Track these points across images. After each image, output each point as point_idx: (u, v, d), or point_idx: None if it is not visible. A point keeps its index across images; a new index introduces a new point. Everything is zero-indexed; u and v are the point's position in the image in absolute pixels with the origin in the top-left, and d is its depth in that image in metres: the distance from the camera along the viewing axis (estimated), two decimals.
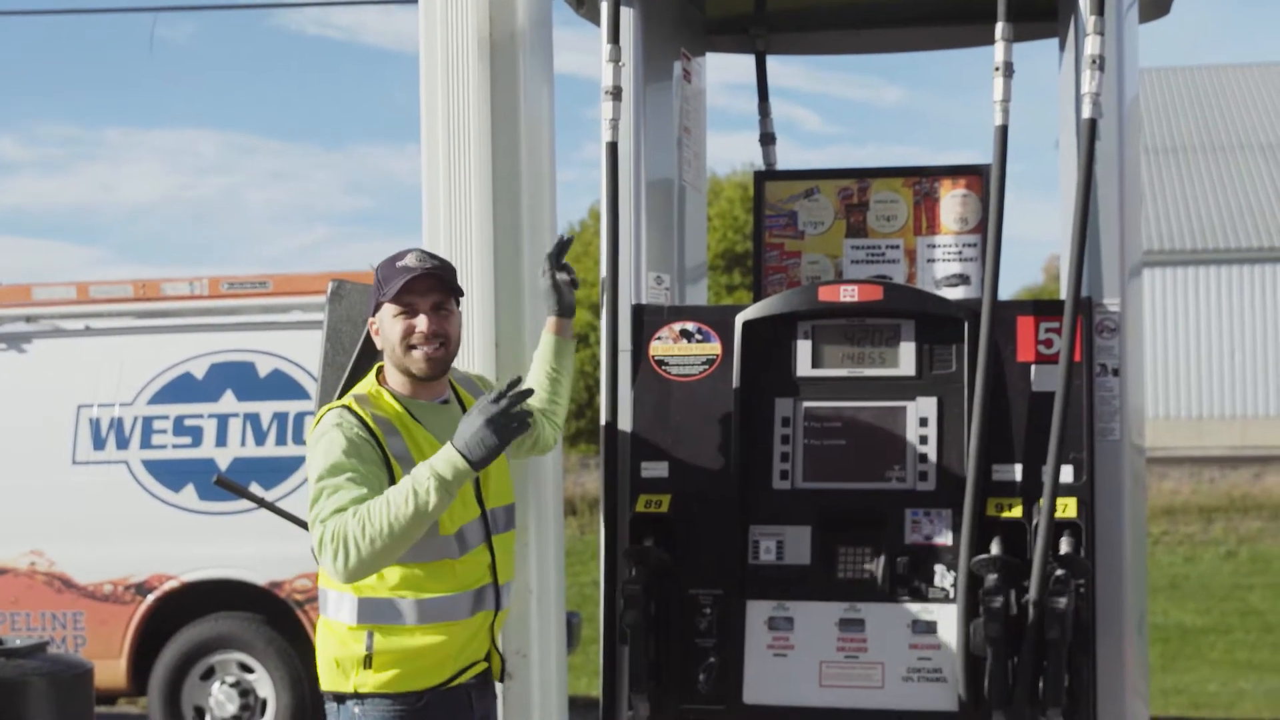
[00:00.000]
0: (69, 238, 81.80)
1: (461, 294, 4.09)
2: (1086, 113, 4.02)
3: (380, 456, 3.86)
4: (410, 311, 3.96)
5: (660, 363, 4.34)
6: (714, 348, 4.31)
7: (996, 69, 4.09)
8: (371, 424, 3.88)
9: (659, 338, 4.35)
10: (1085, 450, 4.04)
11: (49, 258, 75.85)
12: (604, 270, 4.39)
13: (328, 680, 3.97)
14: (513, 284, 5.07)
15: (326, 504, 3.74)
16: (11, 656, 4.55)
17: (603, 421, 4.35)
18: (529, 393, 3.82)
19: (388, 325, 3.98)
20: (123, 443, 9.16)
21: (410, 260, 3.97)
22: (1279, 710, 10.76)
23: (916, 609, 4.08)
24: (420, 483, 3.67)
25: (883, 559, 4.11)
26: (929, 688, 4.04)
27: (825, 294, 4.25)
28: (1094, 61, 4.02)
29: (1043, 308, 4.14)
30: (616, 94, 4.38)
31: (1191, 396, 29.36)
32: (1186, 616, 14.71)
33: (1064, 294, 4.02)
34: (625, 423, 4.35)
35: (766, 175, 4.79)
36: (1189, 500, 22.79)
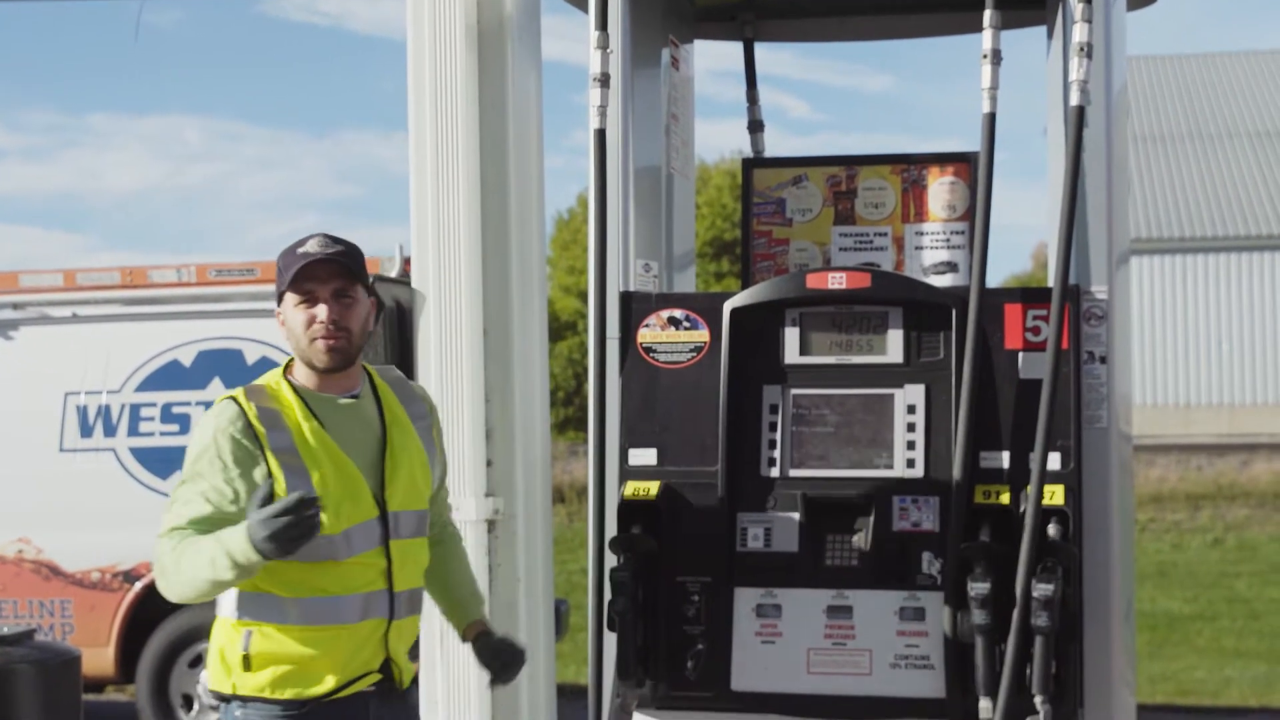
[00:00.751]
0: (55, 225, 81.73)
1: (367, 281, 3.82)
2: (1074, 100, 4.03)
3: (255, 457, 3.64)
4: (311, 300, 3.73)
5: (648, 350, 4.34)
6: (702, 335, 4.31)
7: (985, 56, 4.10)
8: (254, 419, 3.68)
9: (647, 325, 4.35)
10: (1073, 437, 4.05)
11: (35, 245, 75.73)
12: (592, 257, 4.39)
13: (212, 678, 3.77)
14: (500, 271, 5.08)
15: (170, 515, 3.64)
16: None
17: (591, 409, 4.35)
18: (310, 503, 3.46)
19: (290, 315, 3.75)
20: (110, 430, 9.14)
21: (311, 246, 3.74)
22: (1265, 697, 10.79)
23: (904, 596, 4.09)
24: (220, 555, 3.50)
25: (869, 544, 4.12)
26: (916, 674, 4.05)
27: (813, 281, 4.25)
28: (1082, 49, 4.02)
29: (1030, 295, 4.15)
30: (604, 81, 4.37)
31: (1179, 384, 29.42)
32: (1173, 604, 14.74)
33: (1051, 281, 4.02)
34: (613, 410, 4.34)
35: (755, 163, 4.79)
36: (1176, 488, 22.83)
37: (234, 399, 3.72)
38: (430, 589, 4.06)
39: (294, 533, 3.43)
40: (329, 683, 3.69)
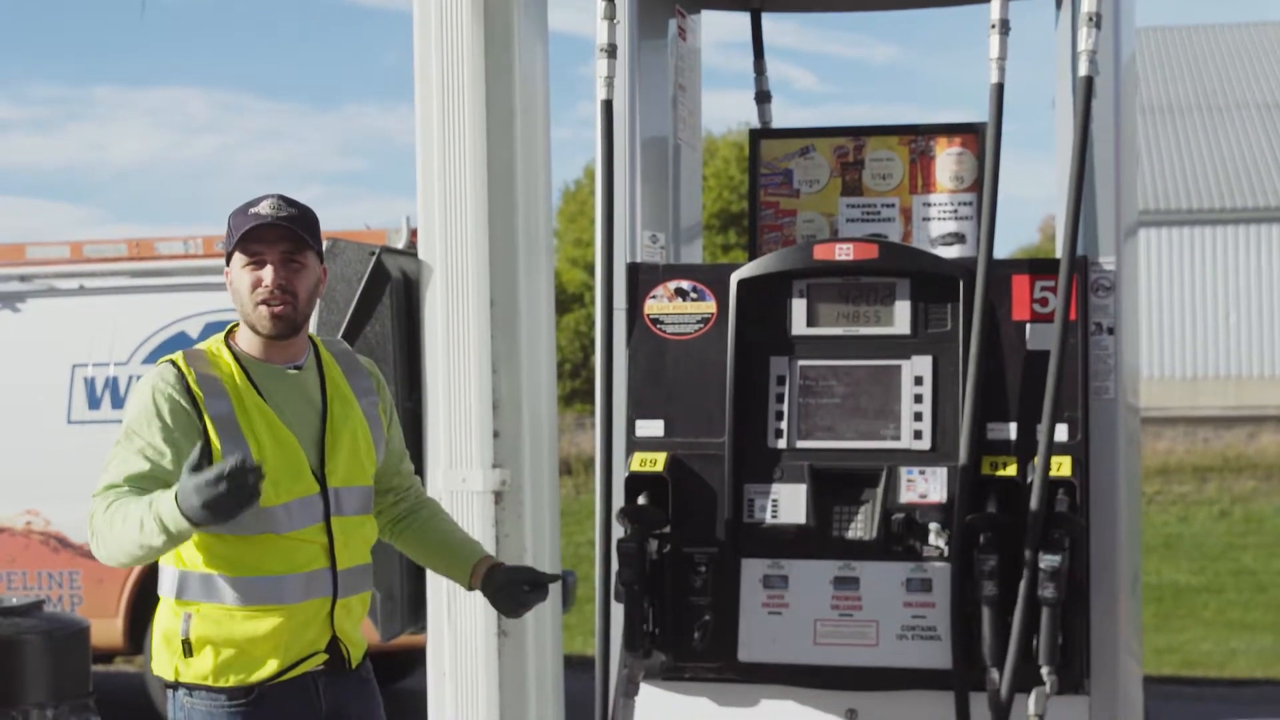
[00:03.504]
0: (60, 197, 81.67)
1: (319, 248, 3.71)
2: (1083, 71, 4.01)
3: (194, 421, 3.53)
4: (258, 263, 3.61)
5: (655, 321, 4.34)
6: (709, 306, 4.31)
7: (993, 26, 4.08)
8: (193, 383, 3.56)
9: (654, 296, 4.34)
10: (1080, 409, 4.04)
11: (40, 217, 75.72)
12: (599, 228, 4.38)
13: (156, 663, 3.64)
14: (507, 243, 5.07)
15: (105, 473, 3.54)
16: (8, 615, 4.57)
17: (598, 380, 4.35)
18: (252, 470, 3.29)
19: (236, 276, 3.62)
20: (118, 402, 9.15)
21: (264, 207, 3.61)
22: (1271, 669, 10.81)
23: (911, 567, 4.09)
24: (150, 519, 3.37)
25: (876, 515, 4.12)
26: (923, 645, 4.05)
27: (820, 252, 4.24)
28: (1090, 19, 4.01)
29: (1038, 266, 4.14)
30: (612, 51, 4.36)
31: (1186, 356, 29.38)
32: (1180, 576, 14.76)
33: (1059, 252, 4.02)
34: (620, 381, 4.34)
35: (762, 134, 4.78)
36: (1183, 460, 22.85)
37: (173, 362, 3.60)
38: (426, 555, 4.02)
39: (230, 501, 3.26)
40: (272, 666, 3.59)
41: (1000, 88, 4.09)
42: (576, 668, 7.01)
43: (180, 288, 9.34)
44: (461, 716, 5.02)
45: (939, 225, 4.51)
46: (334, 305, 4.82)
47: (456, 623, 5.00)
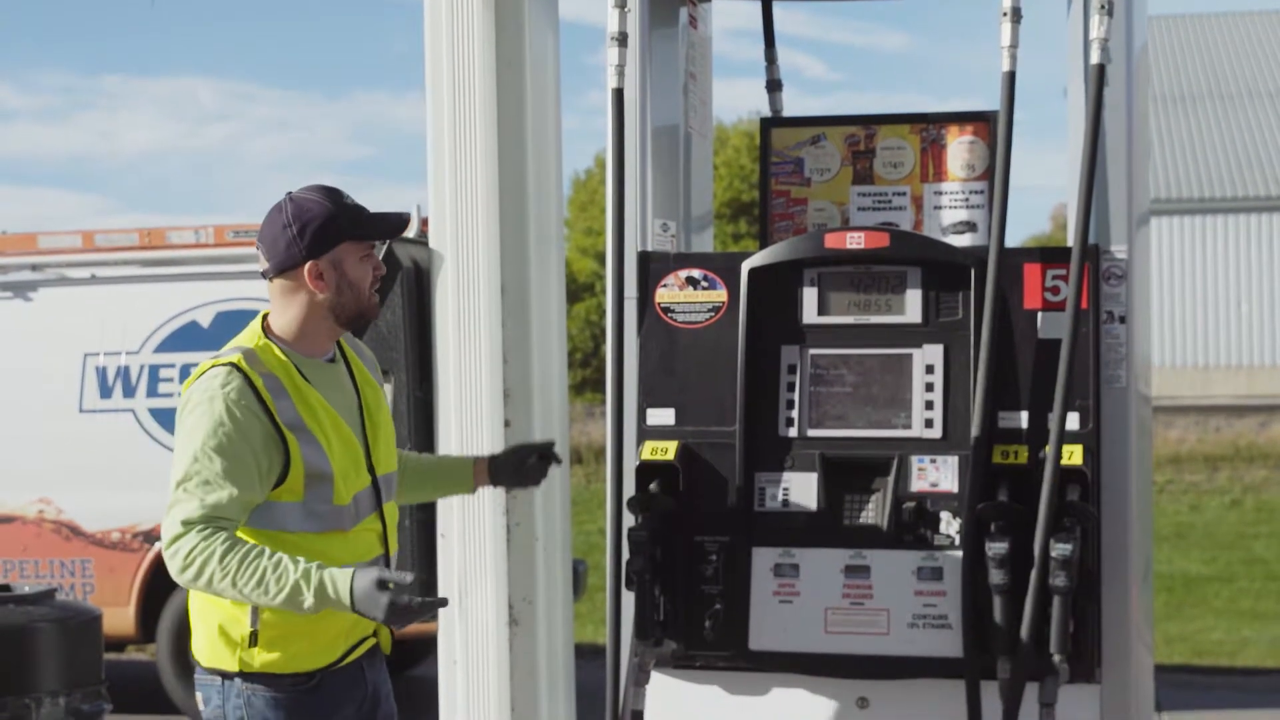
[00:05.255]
0: (69, 186, 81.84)
1: None
2: (1095, 58, 4.01)
3: (270, 432, 3.56)
4: (369, 254, 3.73)
5: (666, 310, 4.34)
6: (720, 295, 4.31)
7: (1004, 14, 4.07)
8: (261, 389, 3.57)
9: (665, 285, 4.34)
10: (1091, 397, 4.04)
11: (50, 207, 75.94)
12: (610, 217, 4.38)
13: (209, 656, 3.66)
14: (518, 231, 5.07)
15: (191, 498, 3.48)
16: (20, 603, 4.58)
17: (609, 369, 4.35)
18: (440, 604, 3.54)
19: (353, 266, 3.68)
20: (129, 391, 9.17)
21: (353, 201, 3.71)
22: None
23: (922, 556, 4.09)
24: (303, 587, 3.41)
25: (888, 504, 4.12)
26: (934, 634, 4.05)
27: (832, 241, 4.24)
28: (1102, 7, 4.00)
29: (1049, 255, 4.14)
30: (622, 40, 4.36)
31: (1198, 345, 29.35)
32: (1191, 565, 14.74)
33: (1071, 241, 4.01)
34: (631, 370, 4.35)
35: (773, 122, 4.77)
36: (1195, 449, 22.81)
37: (236, 366, 3.58)
38: (429, 487, 4.16)
39: (412, 621, 3.44)
40: (337, 651, 3.67)
41: (1012, 76, 4.08)
42: (588, 656, 7.01)
43: (192, 277, 9.35)
44: (472, 704, 5.02)
45: (950, 214, 4.50)
46: None
47: (467, 611, 5.01)
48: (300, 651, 3.62)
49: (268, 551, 3.46)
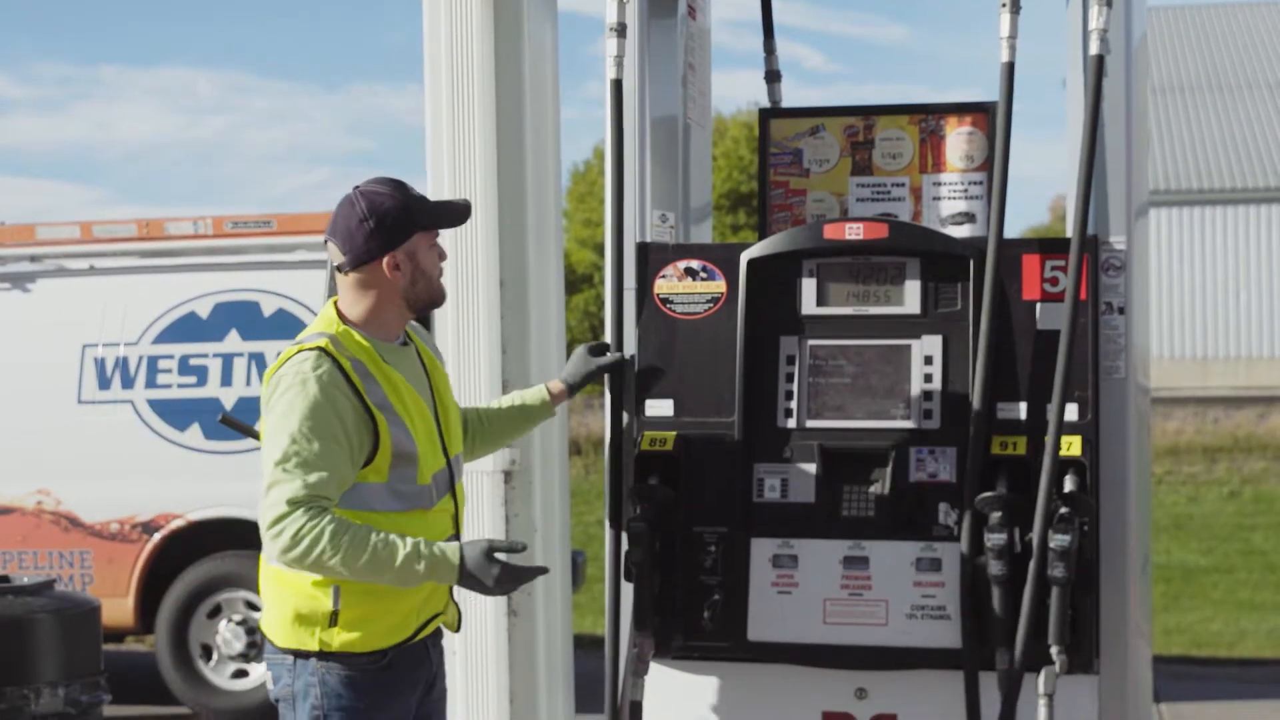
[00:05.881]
0: (67, 177, 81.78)
1: None
2: (1094, 49, 4.01)
3: (361, 414, 3.67)
4: (437, 241, 3.88)
5: (665, 301, 4.34)
6: (719, 286, 4.31)
7: (1004, 5, 4.07)
8: (350, 370, 3.69)
9: (664, 276, 4.34)
10: (1090, 388, 4.04)
11: (47, 198, 75.87)
12: (609, 208, 4.38)
13: (285, 637, 3.75)
14: (517, 223, 5.07)
15: (296, 478, 3.57)
16: (19, 594, 4.58)
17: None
18: (542, 571, 3.87)
19: (424, 254, 3.82)
20: (128, 382, 9.16)
21: (417, 190, 3.86)
22: None
23: (920, 546, 4.09)
24: (414, 561, 3.59)
25: (886, 495, 4.12)
26: (933, 625, 4.05)
27: (830, 232, 4.24)
28: None
29: (1048, 246, 4.14)
30: (621, 30, 4.36)
31: (1196, 337, 29.35)
32: (1190, 556, 14.75)
33: (1070, 232, 4.01)
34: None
35: (772, 113, 4.77)
36: (1193, 440, 22.82)
37: (324, 350, 3.68)
38: (510, 431, 4.33)
39: (514, 588, 3.76)
40: (410, 628, 3.79)
41: (1011, 66, 4.08)
42: (587, 646, 7.01)
43: (190, 268, 9.36)
44: (471, 694, 5.03)
45: (949, 205, 4.50)
46: None
47: (466, 601, 5.01)
48: (377, 630, 3.73)
49: (373, 529, 3.61)
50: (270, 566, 3.77)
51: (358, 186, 3.83)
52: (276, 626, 3.78)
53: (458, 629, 4.03)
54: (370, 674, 3.74)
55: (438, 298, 3.88)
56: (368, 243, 3.76)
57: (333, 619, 3.69)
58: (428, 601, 3.82)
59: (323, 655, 3.71)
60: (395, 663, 3.78)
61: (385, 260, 3.77)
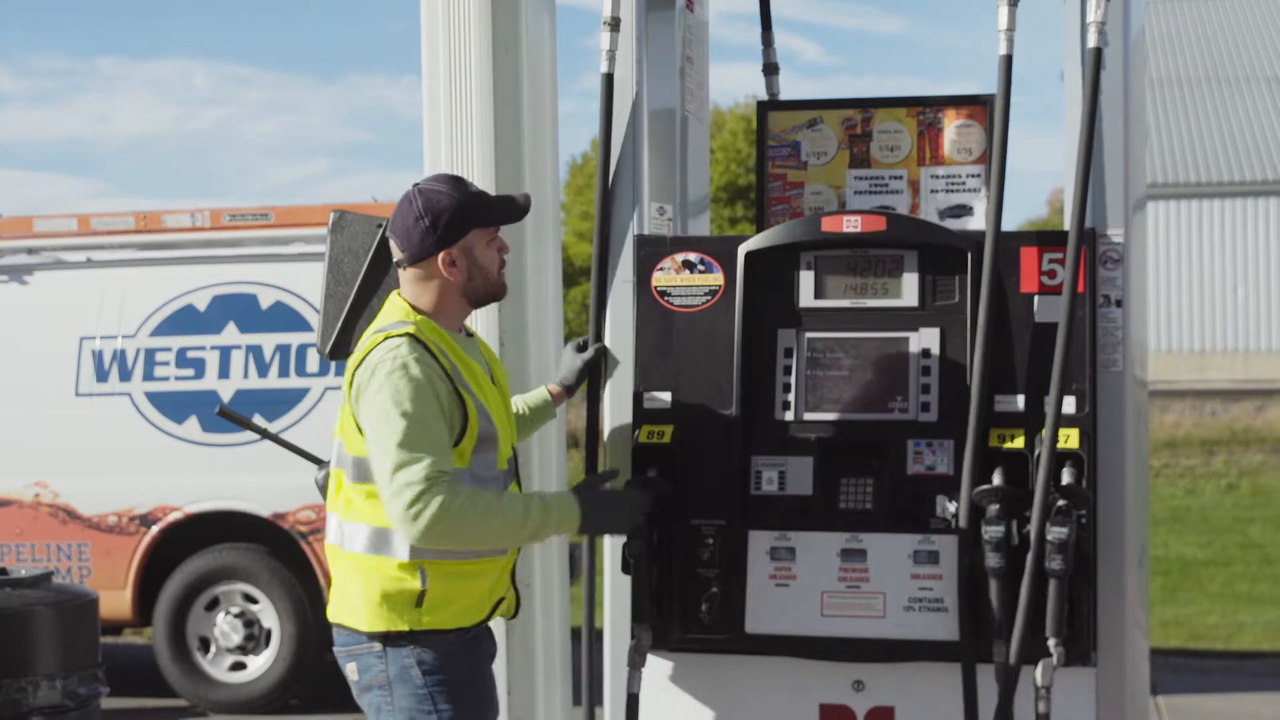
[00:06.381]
0: (63, 170, 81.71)
1: None
2: (1092, 42, 4.00)
3: (452, 392, 3.77)
4: (496, 237, 3.94)
5: (662, 293, 4.34)
6: (716, 278, 4.31)
7: None
8: (439, 357, 3.79)
9: (661, 268, 4.34)
10: (1088, 381, 4.04)
11: (45, 190, 75.82)
12: (598, 201, 4.38)
13: (373, 622, 3.80)
14: None
15: (420, 460, 3.64)
16: (17, 586, 4.57)
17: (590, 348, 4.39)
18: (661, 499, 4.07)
19: (483, 251, 3.90)
20: (125, 375, 9.17)
21: (475, 187, 3.93)
22: (1278, 642, 10.81)
23: (918, 539, 4.09)
24: (547, 518, 3.79)
25: (885, 489, 4.12)
26: (930, 617, 4.06)
27: (828, 224, 4.24)
28: None
29: (1046, 238, 4.14)
30: (615, 25, 4.36)
31: (1194, 330, 29.34)
32: (1187, 549, 14.76)
33: (1068, 225, 4.01)
34: (627, 353, 4.35)
35: (770, 105, 4.77)
36: (1191, 433, 22.84)
37: (415, 338, 3.77)
38: (523, 433, 4.38)
39: (635, 522, 4.04)
40: (485, 610, 3.90)
41: (1009, 59, 4.08)
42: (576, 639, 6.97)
43: (188, 260, 9.35)
44: None
45: (947, 197, 4.50)
46: (341, 278, 4.81)
47: None
48: (459, 610, 3.82)
49: (499, 493, 3.81)
50: (347, 553, 3.84)
51: (417, 184, 3.92)
52: (361, 613, 3.82)
53: (514, 615, 4.11)
54: (459, 650, 3.83)
55: (496, 292, 3.96)
56: (423, 240, 3.85)
57: (420, 599, 3.76)
58: (496, 585, 3.91)
59: (415, 636, 3.78)
60: (473, 641, 3.88)
61: (441, 257, 3.86)
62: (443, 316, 3.91)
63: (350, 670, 3.88)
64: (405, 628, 3.77)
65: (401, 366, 3.71)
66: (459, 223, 3.86)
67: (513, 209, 3.97)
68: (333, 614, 3.91)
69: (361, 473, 3.80)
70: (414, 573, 3.76)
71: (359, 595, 3.82)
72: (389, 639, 3.79)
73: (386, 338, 3.78)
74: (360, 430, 3.78)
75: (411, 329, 3.80)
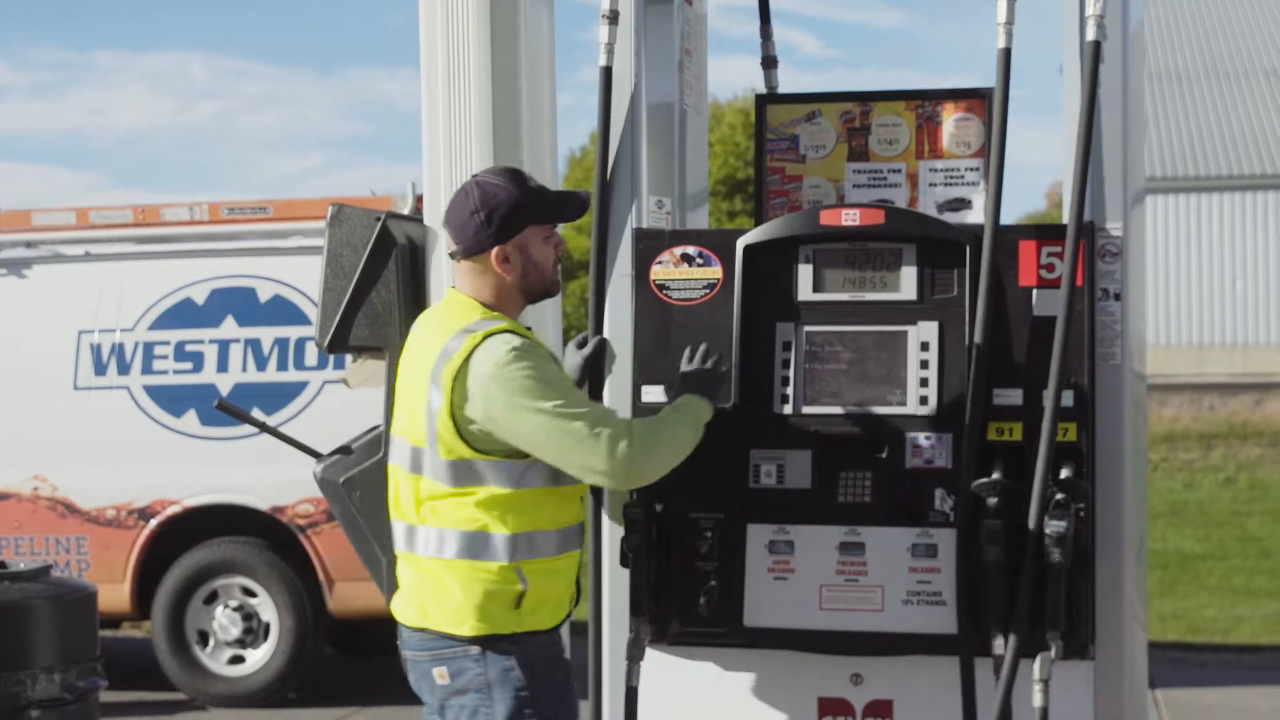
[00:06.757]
0: (61, 163, 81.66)
1: None
2: (1090, 35, 4.00)
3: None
4: (553, 234, 3.92)
5: (661, 287, 4.33)
6: (715, 272, 4.31)
7: None
8: (540, 344, 3.84)
9: (659, 262, 4.34)
10: (1086, 375, 4.04)
11: (43, 184, 75.75)
12: (596, 194, 4.38)
13: (474, 625, 3.77)
14: None
15: (601, 420, 3.73)
16: (15, 580, 4.57)
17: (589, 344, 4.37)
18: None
19: (538, 247, 3.88)
20: (124, 368, 9.17)
21: (536, 182, 3.90)
22: (1276, 635, 10.83)
23: (916, 532, 4.09)
24: (696, 416, 3.92)
25: (883, 482, 4.12)
26: (929, 610, 4.06)
27: (827, 218, 4.24)
28: None
29: (1045, 232, 4.13)
30: (614, 18, 4.36)
31: (1192, 323, 29.34)
32: (1185, 542, 14.79)
33: (1066, 218, 4.01)
34: (626, 347, 4.34)
35: (768, 98, 4.77)
36: (1189, 427, 22.86)
37: (516, 332, 3.79)
38: None
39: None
40: (566, 607, 3.94)
41: (1008, 52, 4.08)
42: (582, 633, 7.00)
43: (186, 254, 9.36)
44: None
45: (945, 191, 4.50)
46: (340, 271, 4.82)
47: None
48: (552, 609, 3.86)
49: (646, 419, 3.90)
50: (446, 560, 3.78)
51: (475, 176, 3.90)
52: (461, 616, 3.78)
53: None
54: (551, 651, 3.86)
55: (551, 289, 3.95)
56: (478, 234, 3.83)
57: (519, 600, 3.77)
58: (571, 582, 3.94)
59: (515, 639, 3.77)
60: (555, 638, 3.89)
61: (495, 252, 3.83)
62: (503, 310, 3.90)
63: (439, 674, 3.82)
64: (508, 631, 3.76)
65: (527, 349, 3.73)
66: (515, 219, 3.83)
67: (571, 207, 3.94)
68: (413, 618, 3.85)
69: (461, 477, 3.77)
70: (514, 574, 3.76)
71: (457, 600, 3.78)
72: (490, 642, 3.77)
73: (486, 336, 3.74)
74: (463, 438, 3.73)
75: (514, 326, 3.82)
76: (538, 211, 3.86)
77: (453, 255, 3.91)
